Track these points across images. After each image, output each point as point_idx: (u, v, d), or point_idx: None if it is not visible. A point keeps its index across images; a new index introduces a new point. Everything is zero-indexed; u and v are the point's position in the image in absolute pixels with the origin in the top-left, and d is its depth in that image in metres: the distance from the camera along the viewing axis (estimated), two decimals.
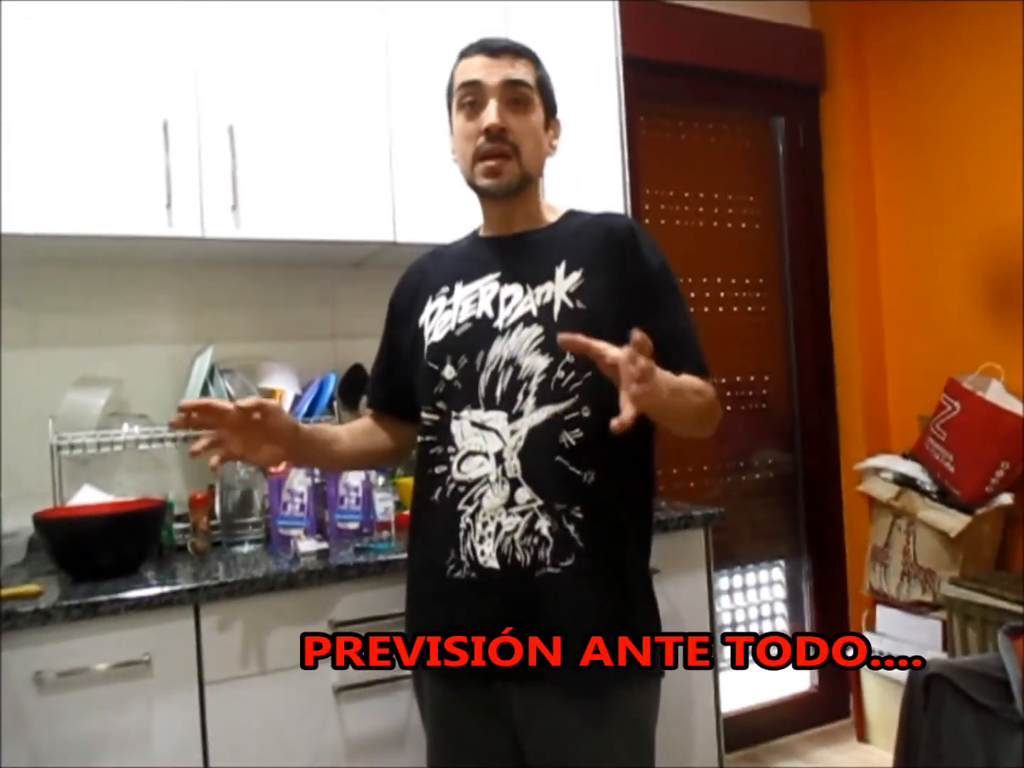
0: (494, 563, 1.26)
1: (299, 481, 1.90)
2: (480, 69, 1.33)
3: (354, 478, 1.95)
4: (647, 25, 2.61)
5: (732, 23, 2.86)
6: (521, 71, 1.34)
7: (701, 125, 2.96)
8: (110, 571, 1.60)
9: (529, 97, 1.35)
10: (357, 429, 1.51)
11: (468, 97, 1.34)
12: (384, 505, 1.90)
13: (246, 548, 1.84)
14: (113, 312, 2.04)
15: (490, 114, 1.31)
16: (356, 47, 1.96)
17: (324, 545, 1.75)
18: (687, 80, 2.85)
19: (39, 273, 1.95)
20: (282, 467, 1.82)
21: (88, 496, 1.82)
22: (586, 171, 2.16)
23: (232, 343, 2.09)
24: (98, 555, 1.60)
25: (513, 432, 1.27)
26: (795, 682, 3.03)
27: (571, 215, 1.43)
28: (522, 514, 1.25)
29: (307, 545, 1.73)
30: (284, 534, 1.86)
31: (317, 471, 1.95)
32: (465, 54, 1.37)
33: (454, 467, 1.30)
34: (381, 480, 1.95)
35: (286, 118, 1.89)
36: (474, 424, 1.29)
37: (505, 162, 1.32)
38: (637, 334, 1.05)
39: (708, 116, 2.96)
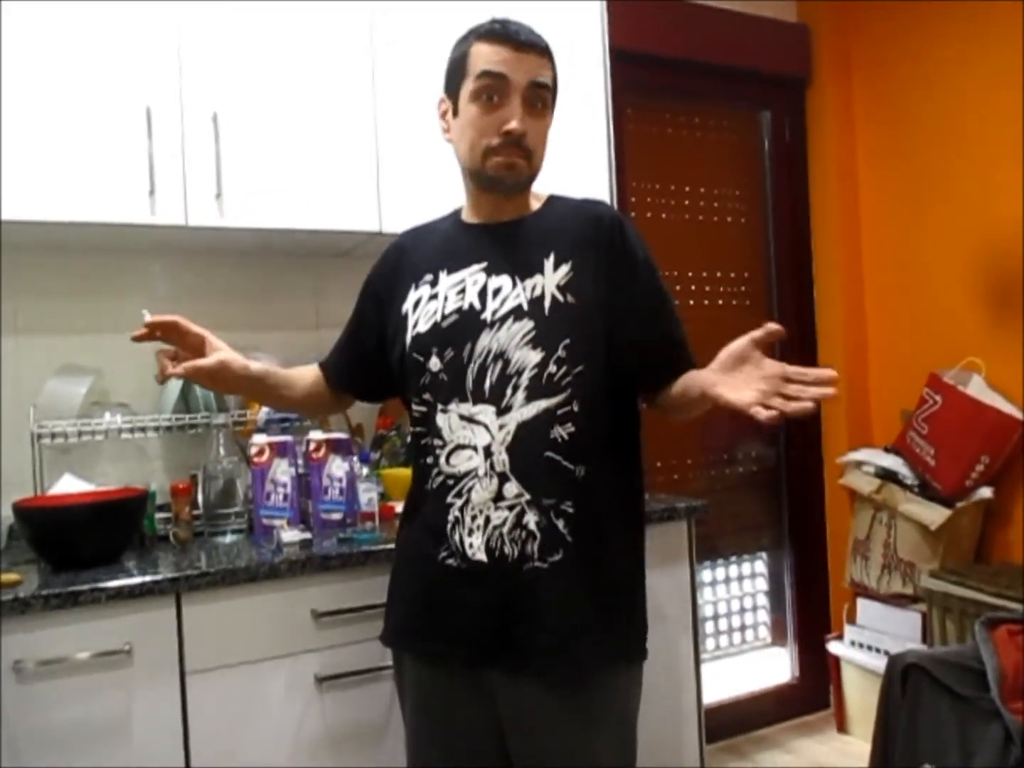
0: (482, 556, 1.27)
1: (282, 471, 1.89)
2: (506, 63, 1.28)
3: (338, 469, 1.94)
4: (634, 18, 2.60)
5: (719, 17, 2.86)
6: (544, 71, 1.31)
7: (687, 118, 2.97)
8: (91, 560, 1.59)
9: (548, 100, 1.33)
10: (306, 382, 1.54)
11: (490, 90, 1.28)
12: (368, 496, 1.90)
13: (228, 538, 1.84)
14: (95, 300, 2.02)
15: (516, 118, 1.28)
16: (342, 35, 1.95)
17: (307, 535, 1.75)
18: (674, 73, 2.85)
19: (20, 260, 1.93)
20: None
21: (69, 485, 1.81)
22: (572, 163, 2.15)
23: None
24: (79, 544, 1.59)
25: (501, 427, 1.27)
26: (776, 673, 3.05)
27: (554, 200, 1.41)
28: (510, 508, 1.26)
29: (290, 535, 1.73)
30: (267, 524, 1.86)
31: (301, 462, 1.95)
32: (486, 37, 1.30)
33: (442, 460, 1.30)
34: (365, 471, 1.94)
35: (271, 106, 1.88)
36: (462, 417, 1.29)
37: (518, 160, 1.31)
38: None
39: (695, 109, 2.97)
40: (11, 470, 1.87)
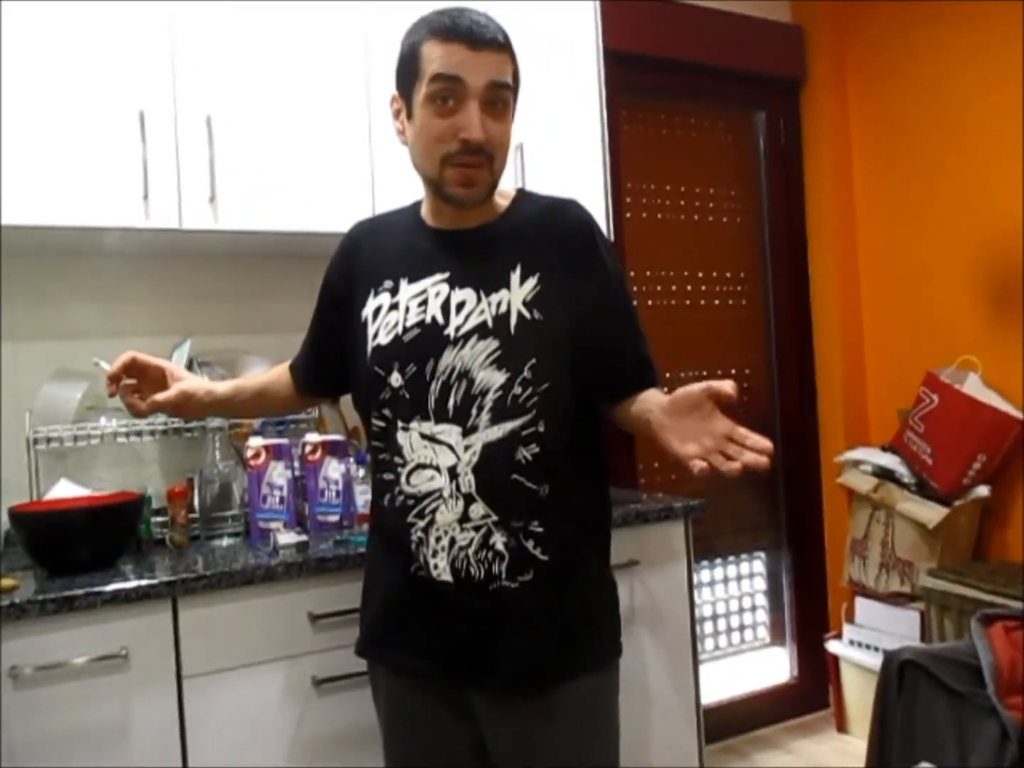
0: (448, 577, 1.24)
1: (279, 474, 1.89)
2: (462, 64, 1.18)
3: (334, 472, 1.94)
4: (629, 19, 2.61)
5: (713, 18, 2.86)
6: (503, 69, 1.22)
7: (683, 119, 2.97)
8: (87, 565, 1.59)
9: (508, 99, 1.24)
10: (277, 389, 1.55)
11: (445, 93, 1.20)
12: (364, 498, 1.90)
13: (225, 541, 1.84)
14: (90, 305, 2.02)
15: (474, 126, 1.19)
16: (335, 37, 1.95)
17: (303, 538, 1.74)
18: (669, 74, 2.85)
19: (15, 265, 1.93)
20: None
21: (65, 490, 1.81)
22: (567, 164, 2.16)
23: (211, 336, 2.08)
24: (75, 549, 1.59)
25: (467, 447, 1.23)
26: (775, 673, 3.05)
27: (522, 199, 1.35)
28: (476, 529, 1.23)
29: (286, 538, 1.72)
30: (263, 527, 1.86)
31: (296, 465, 1.95)
32: (439, 34, 1.20)
33: (402, 479, 1.27)
34: (362, 473, 1.94)
35: (264, 109, 1.88)
36: (424, 436, 1.25)
37: (478, 172, 1.23)
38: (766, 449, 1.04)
39: (690, 110, 2.97)
40: (7, 475, 1.86)
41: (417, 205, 1.39)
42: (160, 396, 1.37)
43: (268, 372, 1.61)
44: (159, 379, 1.39)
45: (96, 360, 1.42)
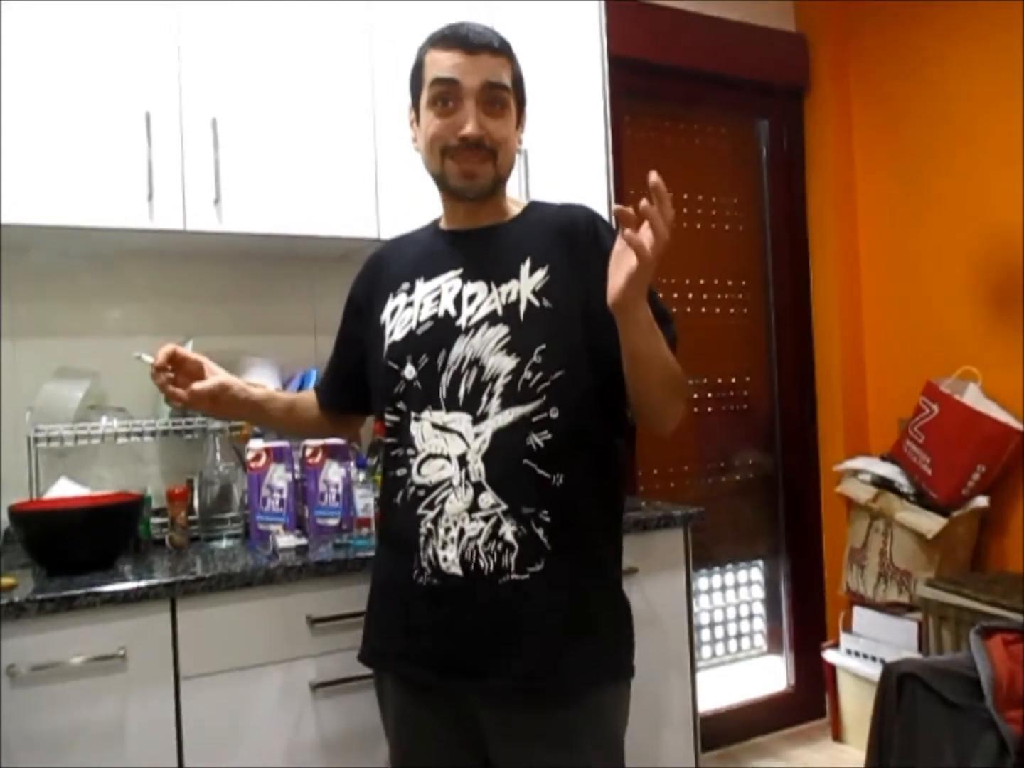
0: (457, 569, 1.23)
1: (279, 476, 1.89)
2: (457, 67, 1.26)
3: (335, 475, 1.94)
4: (633, 26, 2.62)
5: (718, 26, 2.87)
6: (499, 72, 1.29)
7: (686, 126, 2.98)
8: (86, 565, 1.59)
9: (506, 100, 1.30)
10: (301, 406, 1.56)
11: (444, 96, 1.28)
12: (364, 501, 1.89)
13: (224, 543, 1.84)
14: (92, 304, 2.03)
15: (470, 122, 1.26)
16: (341, 41, 1.96)
17: (303, 541, 1.74)
18: (672, 81, 2.86)
19: (17, 264, 1.93)
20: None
21: (65, 489, 1.81)
22: (571, 170, 2.16)
23: (213, 337, 2.07)
24: (74, 548, 1.59)
25: (477, 435, 1.23)
26: (772, 681, 3.05)
27: (533, 207, 1.40)
28: (485, 519, 1.22)
29: (286, 541, 1.72)
30: (263, 529, 1.86)
31: (297, 467, 1.95)
32: (439, 43, 1.30)
33: (414, 470, 1.27)
34: (362, 476, 1.94)
35: (270, 111, 1.88)
36: (435, 426, 1.26)
37: (480, 165, 1.28)
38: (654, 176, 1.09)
39: (693, 117, 2.98)
40: (7, 473, 1.86)
41: (438, 219, 1.44)
42: (198, 385, 1.38)
43: (306, 391, 1.63)
44: (196, 372, 1.41)
45: (138, 354, 1.43)
